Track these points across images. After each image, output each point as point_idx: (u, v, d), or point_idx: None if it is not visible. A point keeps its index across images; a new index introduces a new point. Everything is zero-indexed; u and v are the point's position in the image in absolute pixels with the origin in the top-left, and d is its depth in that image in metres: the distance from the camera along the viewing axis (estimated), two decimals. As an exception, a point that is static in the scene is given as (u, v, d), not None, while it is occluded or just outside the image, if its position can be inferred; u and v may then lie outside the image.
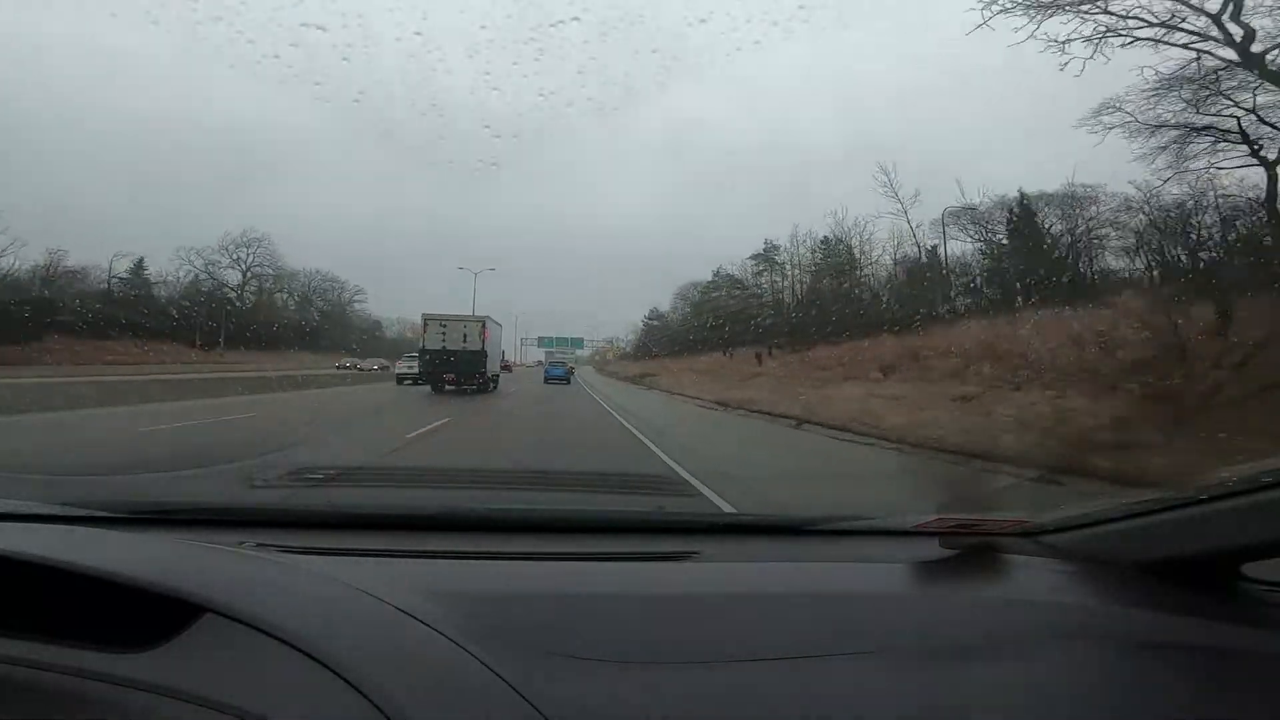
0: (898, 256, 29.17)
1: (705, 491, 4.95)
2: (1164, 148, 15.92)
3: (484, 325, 21.77)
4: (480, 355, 21.06)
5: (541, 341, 49.78)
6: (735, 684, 0.88)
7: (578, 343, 54.32)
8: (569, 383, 30.83)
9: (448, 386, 20.21)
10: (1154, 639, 1.00)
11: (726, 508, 4.39)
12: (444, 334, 20.88)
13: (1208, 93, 14.44)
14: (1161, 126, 15.51)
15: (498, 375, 23.72)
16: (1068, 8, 14.83)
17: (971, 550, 1.34)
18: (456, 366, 20.49)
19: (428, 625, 0.89)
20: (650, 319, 49.11)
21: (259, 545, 1.29)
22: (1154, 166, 16.56)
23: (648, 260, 60.11)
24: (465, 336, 21.03)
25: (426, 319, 21.35)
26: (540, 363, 46.32)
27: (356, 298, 46.71)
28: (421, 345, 21.24)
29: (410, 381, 23.03)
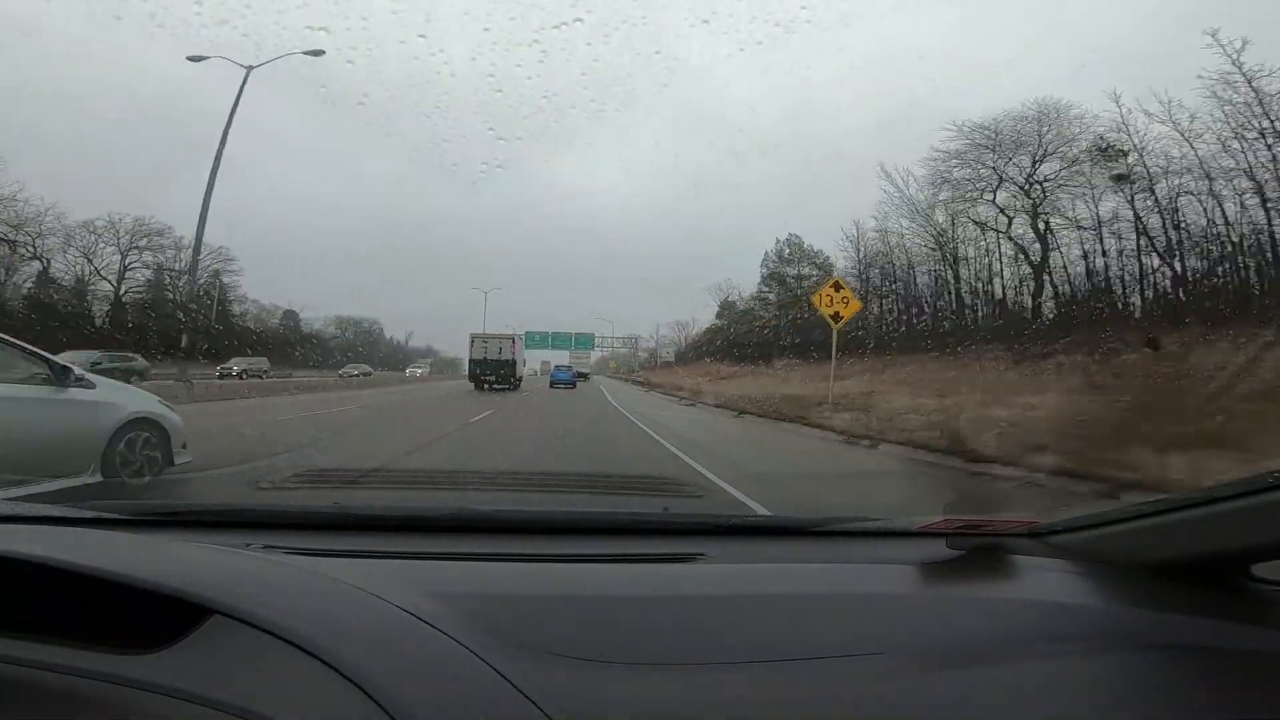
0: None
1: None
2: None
3: (514, 340, 29.17)
4: (511, 363, 28.41)
5: (530, 338, 37.70)
6: (742, 685, 0.88)
7: (586, 341, 44.05)
8: (574, 387, 30.62)
9: (485, 385, 26.94)
10: (1163, 640, 0.99)
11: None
12: (485, 348, 28.20)
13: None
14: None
15: (522, 377, 30.93)
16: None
17: (978, 551, 1.33)
18: (494, 371, 27.57)
19: (434, 627, 0.89)
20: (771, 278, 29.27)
21: (266, 547, 1.29)
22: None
23: (656, 264, 59.77)
24: (500, 350, 28.29)
25: (473, 337, 28.77)
26: (535, 372, 40.20)
27: (227, 269, 30.74)
28: (470, 357, 28.55)
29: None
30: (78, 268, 27.94)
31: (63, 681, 0.80)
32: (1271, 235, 16.88)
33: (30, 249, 25.98)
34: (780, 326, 28.03)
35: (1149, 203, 19.20)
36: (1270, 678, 0.92)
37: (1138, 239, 19.69)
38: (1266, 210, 16.83)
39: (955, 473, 6.88)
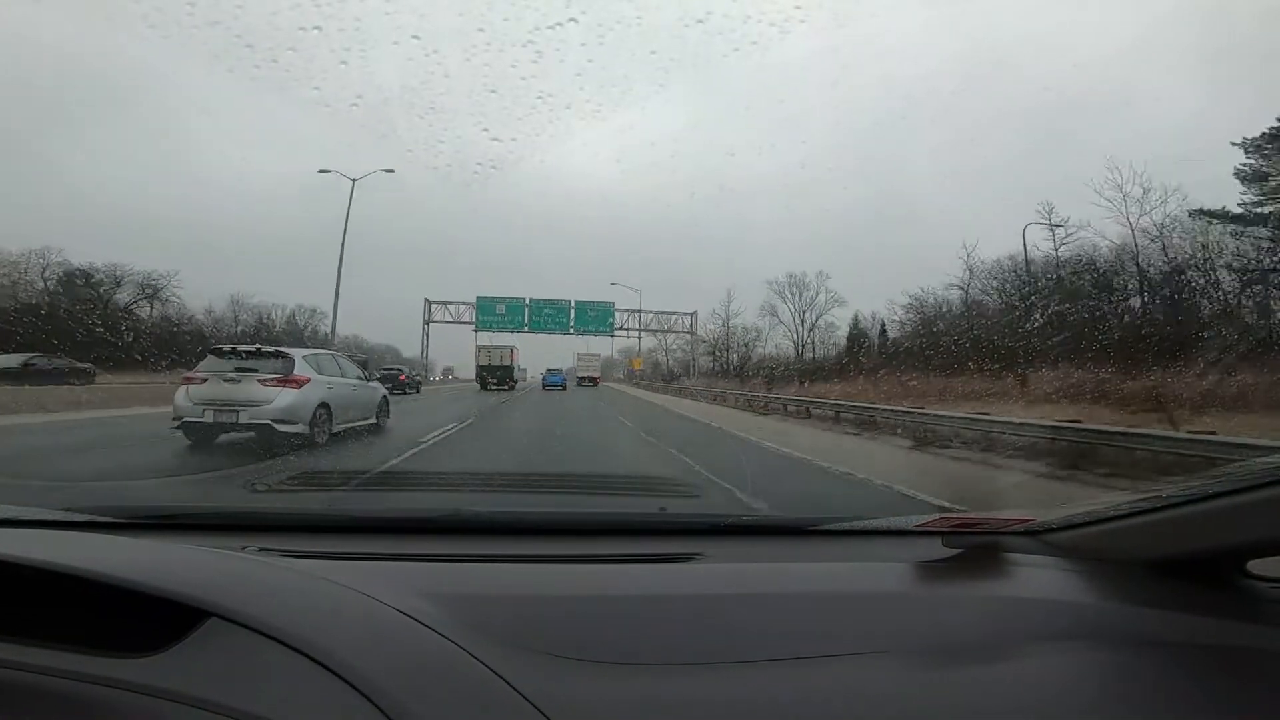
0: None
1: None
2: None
3: (512, 350, 35.57)
4: (510, 369, 34.57)
5: (485, 310, 35.33)
6: (739, 685, 0.88)
7: (600, 317, 36.41)
8: (566, 388, 31.14)
9: (489, 386, 32.86)
10: (1160, 637, 1.00)
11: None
12: (489, 356, 34.36)
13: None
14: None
15: (518, 380, 37.06)
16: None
17: (975, 549, 1.33)
18: (495, 374, 33.53)
19: (431, 628, 0.89)
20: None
21: (262, 550, 1.29)
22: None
23: (657, 265, 59.71)
24: (501, 357, 34.40)
25: (479, 347, 35.53)
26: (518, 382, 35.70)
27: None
28: (476, 363, 34.89)
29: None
30: None
31: (59, 685, 0.80)
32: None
33: None
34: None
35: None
36: (1265, 674, 0.93)
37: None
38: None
39: None
